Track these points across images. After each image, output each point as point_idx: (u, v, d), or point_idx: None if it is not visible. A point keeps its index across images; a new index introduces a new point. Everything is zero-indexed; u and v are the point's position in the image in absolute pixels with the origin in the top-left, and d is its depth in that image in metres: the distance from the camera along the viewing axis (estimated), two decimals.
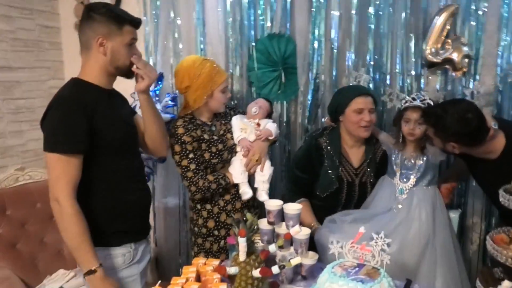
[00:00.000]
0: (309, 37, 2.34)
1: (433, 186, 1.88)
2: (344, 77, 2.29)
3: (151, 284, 1.68)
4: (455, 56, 2.11)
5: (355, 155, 2.01)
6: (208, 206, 2.00)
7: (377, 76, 2.28)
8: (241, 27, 2.41)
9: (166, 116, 2.32)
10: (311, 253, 1.64)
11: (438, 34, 2.11)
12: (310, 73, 2.37)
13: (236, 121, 2.05)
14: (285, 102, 2.44)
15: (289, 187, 2.11)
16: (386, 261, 1.37)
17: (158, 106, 2.38)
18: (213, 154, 1.96)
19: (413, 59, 2.19)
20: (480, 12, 2.08)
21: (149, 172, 2.51)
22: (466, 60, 2.11)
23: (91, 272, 1.46)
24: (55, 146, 1.46)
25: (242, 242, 1.37)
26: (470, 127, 1.58)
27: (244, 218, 1.45)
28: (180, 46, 2.53)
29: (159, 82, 2.51)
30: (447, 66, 2.16)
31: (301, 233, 1.56)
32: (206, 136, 1.95)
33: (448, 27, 2.10)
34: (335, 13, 2.26)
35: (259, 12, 2.39)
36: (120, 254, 1.62)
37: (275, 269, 1.39)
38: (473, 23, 2.10)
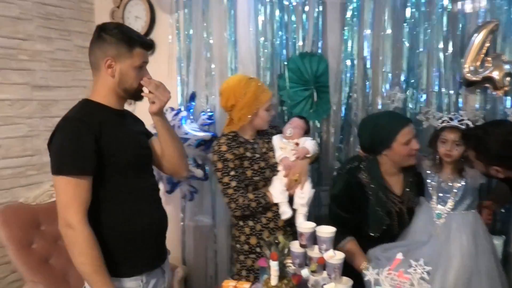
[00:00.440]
0: (341, 55, 2.32)
1: (473, 211, 1.78)
2: (379, 95, 2.24)
3: None
4: (495, 74, 2.03)
5: (396, 183, 1.92)
6: (251, 223, 2.01)
7: (412, 95, 2.22)
8: (273, 46, 2.41)
9: (207, 134, 2.36)
10: (345, 278, 1.58)
11: (477, 52, 2.03)
12: (342, 91, 2.33)
13: (276, 141, 2.06)
14: (317, 121, 2.41)
15: None
16: None
17: (195, 125, 2.42)
18: (255, 172, 1.99)
19: (451, 77, 2.13)
20: None
21: (193, 191, 2.52)
22: (508, 78, 2.03)
23: None
24: (63, 169, 1.42)
25: (274, 266, 1.34)
26: None
27: (276, 241, 1.41)
28: (213, 66, 2.55)
29: (192, 102, 2.54)
30: (487, 85, 2.08)
31: (335, 257, 1.51)
32: (248, 154, 1.99)
33: (487, 44, 2.03)
34: (367, 32, 2.23)
35: (291, 31, 2.38)
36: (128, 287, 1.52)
37: None
38: None
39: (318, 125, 2.42)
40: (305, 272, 1.45)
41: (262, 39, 2.42)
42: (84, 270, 1.43)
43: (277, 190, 1.97)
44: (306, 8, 2.34)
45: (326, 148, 2.42)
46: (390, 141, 1.82)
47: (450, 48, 2.11)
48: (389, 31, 2.18)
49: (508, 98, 2.05)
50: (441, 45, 2.11)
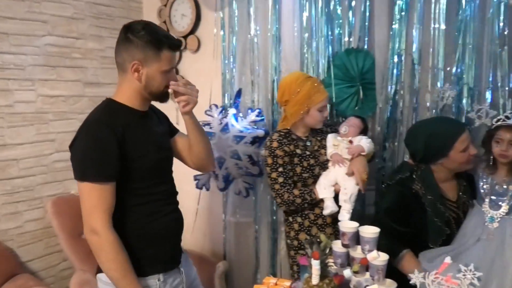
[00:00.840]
0: (388, 51, 2.24)
1: None
2: (427, 93, 2.15)
3: None
4: None
5: (450, 189, 1.84)
6: (299, 219, 2.07)
7: (464, 91, 2.11)
8: (318, 42, 2.37)
9: (261, 131, 2.40)
10: (388, 280, 1.53)
11: None
12: (389, 88, 2.26)
13: (330, 138, 2.08)
14: None
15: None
16: None
17: (245, 122, 2.44)
18: (304, 169, 2.04)
19: (506, 74, 2.00)
20: None
21: (248, 188, 2.56)
22: None
23: None
24: (87, 175, 1.40)
25: (315, 265, 1.32)
26: None
27: (318, 240, 1.39)
28: (257, 62, 2.55)
29: (238, 98, 2.55)
30: None
31: (379, 259, 1.47)
32: (298, 151, 2.05)
33: None
34: (417, 26, 2.14)
35: (337, 26, 2.34)
36: (146, 286, 1.51)
37: None
38: None
39: None
40: (347, 273, 1.42)
41: (306, 35, 2.39)
42: (113, 276, 1.42)
43: (321, 186, 2.00)
44: (353, 3, 2.29)
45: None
46: (448, 150, 1.74)
47: (507, 43, 1.99)
48: (440, 25, 2.09)
49: None
50: (496, 40, 1.99)
